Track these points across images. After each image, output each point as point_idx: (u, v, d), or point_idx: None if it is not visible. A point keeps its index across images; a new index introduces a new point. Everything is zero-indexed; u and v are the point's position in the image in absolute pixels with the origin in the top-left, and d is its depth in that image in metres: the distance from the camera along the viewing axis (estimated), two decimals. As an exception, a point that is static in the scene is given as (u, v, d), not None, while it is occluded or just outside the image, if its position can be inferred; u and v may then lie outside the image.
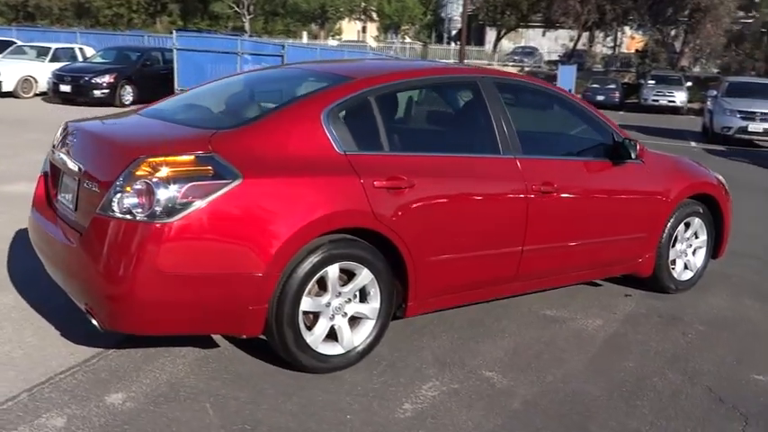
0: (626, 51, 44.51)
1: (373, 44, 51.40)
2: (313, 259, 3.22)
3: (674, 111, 26.92)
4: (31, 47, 20.17)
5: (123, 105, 16.98)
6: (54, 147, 3.80)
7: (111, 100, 16.94)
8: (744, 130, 16.75)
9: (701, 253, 5.12)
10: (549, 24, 42.86)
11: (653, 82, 28.40)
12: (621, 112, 25.48)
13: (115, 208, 2.96)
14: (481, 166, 3.87)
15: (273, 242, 3.09)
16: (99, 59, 18.97)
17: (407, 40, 57.13)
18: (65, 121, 3.90)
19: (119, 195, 2.96)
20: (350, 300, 3.45)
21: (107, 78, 17.11)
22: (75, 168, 3.35)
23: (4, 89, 17.42)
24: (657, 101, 27.24)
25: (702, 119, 20.17)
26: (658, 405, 3.33)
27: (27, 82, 17.99)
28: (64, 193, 3.52)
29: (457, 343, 3.89)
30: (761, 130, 16.78)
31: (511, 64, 40.75)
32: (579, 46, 41.83)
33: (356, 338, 3.48)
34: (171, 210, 2.93)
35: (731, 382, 3.62)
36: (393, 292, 3.54)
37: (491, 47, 47.22)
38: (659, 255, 4.76)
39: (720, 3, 34.33)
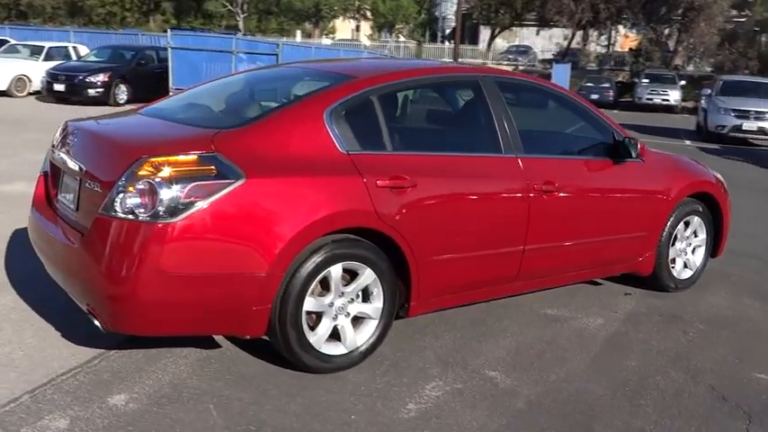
0: (620, 50, 44.59)
1: (367, 43, 51.35)
2: (316, 259, 3.20)
3: (668, 109, 27.02)
4: (25, 45, 20.09)
5: (118, 104, 16.94)
6: (54, 146, 3.77)
7: (105, 99, 16.89)
8: (738, 128, 16.84)
9: (701, 252, 5.13)
10: (543, 23, 42.92)
11: (647, 81, 28.51)
12: (616, 111, 25.52)
13: (118, 208, 2.95)
14: (483, 165, 3.86)
15: (277, 242, 3.08)
16: (93, 58, 18.91)
17: (401, 38, 57.11)
18: (64, 121, 3.88)
19: (121, 195, 2.95)
20: (353, 300, 3.44)
21: (101, 77, 17.06)
22: (77, 168, 3.32)
23: (-2, 88, 17.38)
24: (651, 99, 27.35)
25: (697, 117, 20.23)
26: (662, 404, 3.33)
27: (21, 81, 17.91)
28: (65, 193, 3.50)
29: (459, 342, 3.89)
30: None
31: (505, 63, 40.79)
32: (573, 45, 41.91)
33: (359, 338, 3.47)
34: (174, 210, 2.91)
35: (733, 381, 3.63)
36: (396, 291, 3.53)
37: (485, 46, 47.24)
38: (659, 253, 4.77)
39: (714, 2, 34.47)
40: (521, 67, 38.71)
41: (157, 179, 2.92)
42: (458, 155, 3.82)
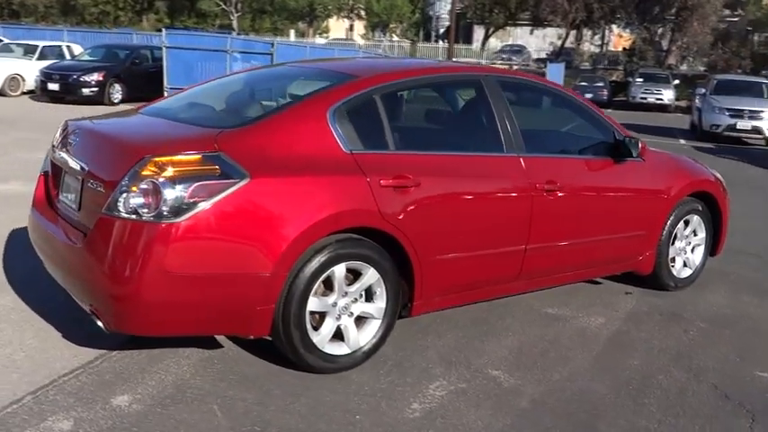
0: (613, 49, 44.74)
1: (361, 42, 51.29)
2: (320, 259, 3.19)
3: (662, 108, 27.08)
4: (18, 44, 19.99)
5: (112, 104, 16.89)
6: (54, 146, 3.75)
7: (99, 98, 16.82)
8: (732, 127, 16.90)
9: (700, 250, 5.14)
10: (537, 22, 43.00)
11: (641, 80, 28.56)
12: (610, 110, 25.55)
13: (121, 208, 2.93)
14: (486, 164, 3.86)
15: (281, 242, 3.06)
16: (87, 57, 18.81)
17: (395, 38, 57.09)
18: (65, 120, 3.85)
19: (125, 195, 2.93)
20: (356, 299, 3.43)
21: (96, 76, 16.98)
22: (78, 168, 3.30)
23: (-9, 87, 17.29)
24: (645, 98, 27.41)
25: (691, 116, 20.30)
26: (665, 403, 3.33)
27: (14, 80, 17.82)
28: (66, 193, 3.48)
29: (462, 342, 3.88)
30: (749, 128, 16.94)
31: (499, 62, 40.79)
32: (567, 44, 42.02)
33: (362, 338, 3.46)
34: (178, 209, 2.90)
35: (736, 379, 3.64)
36: (399, 291, 3.53)
37: (479, 45, 47.27)
38: (659, 252, 4.77)
39: (707, 1, 34.60)
40: (515, 67, 38.75)
41: (161, 179, 2.90)
42: (460, 154, 3.81)
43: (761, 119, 16.89)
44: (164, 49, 18.00)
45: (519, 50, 45.79)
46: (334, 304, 3.35)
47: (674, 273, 4.96)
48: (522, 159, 3.93)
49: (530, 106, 4.75)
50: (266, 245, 3.05)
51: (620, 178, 4.46)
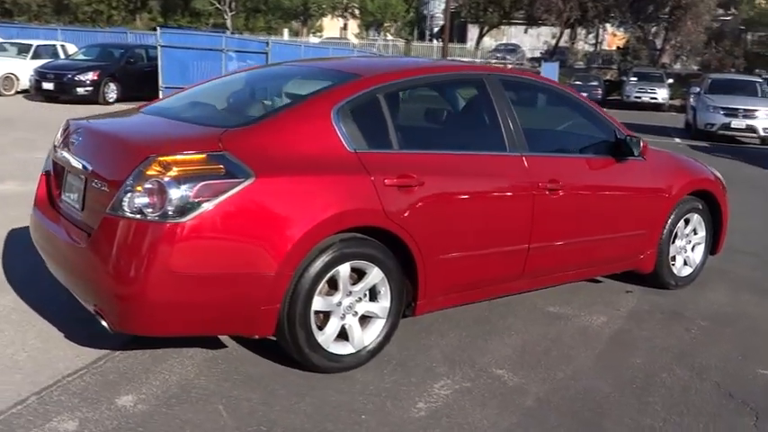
0: (607, 48, 44.85)
1: (355, 41, 51.26)
2: (325, 258, 3.19)
3: (656, 107, 27.15)
4: (12, 43, 19.89)
5: (107, 103, 16.83)
6: (56, 146, 3.73)
7: (94, 97, 16.75)
8: (727, 126, 16.94)
9: (700, 249, 5.15)
10: (532, 21, 43.05)
11: (635, 79, 28.63)
12: (604, 109, 25.57)
13: (126, 208, 2.91)
14: (489, 163, 3.86)
15: (286, 241, 3.06)
16: (82, 57, 18.71)
17: (389, 37, 57.07)
18: (66, 120, 3.83)
19: (129, 195, 2.92)
20: (360, 299, 3.42)
21: (90, 76, 16.91)
22: (81, 167, 3.29)
23: (-15, 87, 17.20)
24: (639, 98, 27.47)
25: (685, 115, 20.34)
26: (670, 401, 3.34)
27: (8, 79, 17.73)
28: (69, 193, 3.46)
29: (465, 341, 3.88)
30: (743, 127, 16.98)
31: (493, 61, 40.81)
32: (561, 43, 42.07)
33: (366, 338, 3.45)
34: (183, 209, 2.89)
35: (738, 378, 3.65)
36: (403, 290, 3.52)
37: (473, 44, 47.31)
38: (660, 251, 4.79)
39: (700, 0, 34.68)
40: (509, 66, 38.80)
41: (166, 178, 2.89)
42: (463, 153, 3.81)
43: (755, 118, 16.94)
44: (158, 48, 17.93)
45: (513, 49, 45.81)
46: (339, 304, 3.34)
47: (675, 271, 4.97)
48: (524, 158, 3.93)
49: (532, 105, 4.75)
50: (271, 244, 3.04)
51: (621, 177, 4.47)
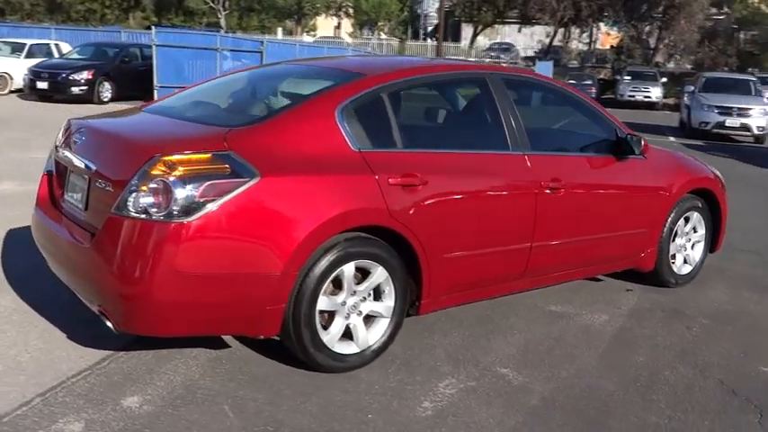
0: (601, 47, 44.92)
1: (349, 40, 51.20)
2: (330, 258, 3.18)
3: (650, 106, 27.26)
4: (5, 42, 19.76)
5: (102, 102, 16.79)
6: (57, 145, 3.71)
7: (89, 97, 16.70)
8: (721, 125, 17.00)
9: (700, 247, 5.17)
10: (525, 20, 43.09)
11: (629, 78, 28.75)
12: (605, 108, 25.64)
13: (131, 207, 2.90)
14: (491, 162, 3.86)
15: (291, 241, 3.05)
16: (76, 56, 18.65)
17: (383, 36, 57.04)
18: (67, 119, 3.82)
19: (134, 194, 2.90)
20: (365, 298, 3.42)
21: (85, 75, 16.85)
22: (85, 167, 3.27)
23: (-22, 86, 17.12)
24: (633, 96, 27.58)
25: (680, 114, 20.41)
26: (674, 399, 3.35)
27: (2, 79, 17.66)
28: (72, 193, 3.44)
29: (468, 340, 3.89)
30: (738, 125, 17.05)
31: (487, 60, 40.81)
32: (555, 42, 42.13)
33: (371, 337, 3.45)
34: (188, 209, 2.88)
35: (741, 375, 3.66)
36: (407, 289, 3.52)
37: (467, 43, 47.33)
38: (660, 249, 4.80)
39: (694, -1, 34.86)
40: (503, 65, 38.84)
41: (171, 178, 2.88)
42: (466, 152, 3.81)
43: (749, 116, 17.00)
44: (153, 47, 17.87)
45: (507, 48, 45.78)
46: (344, 303, 3.34)
47: (675, 269, 4.99)
48: (527, 157, 3.94)
49: (534, 104, 4.76)
50: (276, 244, 3.03)
51: (623, 176, 4.48)
